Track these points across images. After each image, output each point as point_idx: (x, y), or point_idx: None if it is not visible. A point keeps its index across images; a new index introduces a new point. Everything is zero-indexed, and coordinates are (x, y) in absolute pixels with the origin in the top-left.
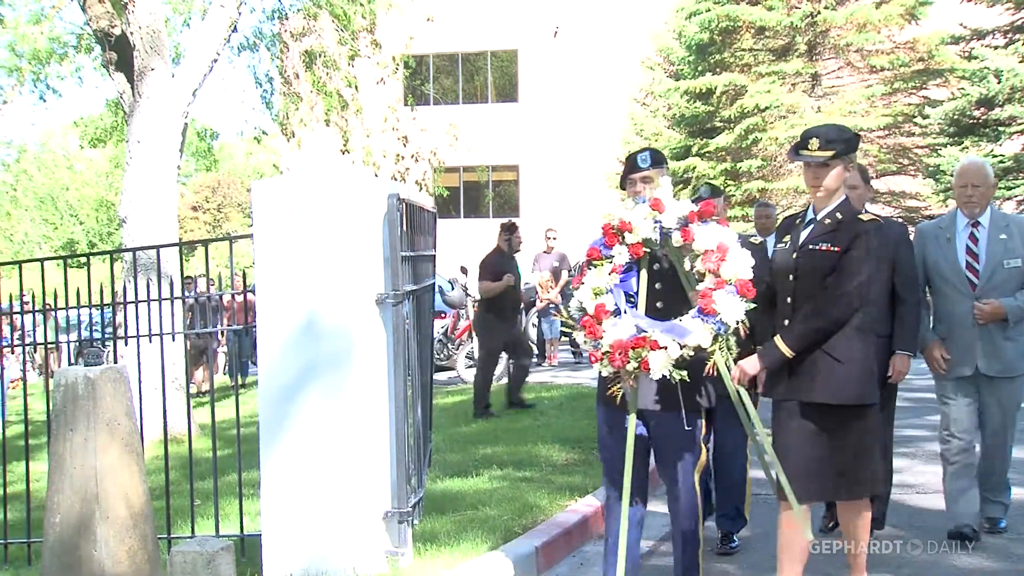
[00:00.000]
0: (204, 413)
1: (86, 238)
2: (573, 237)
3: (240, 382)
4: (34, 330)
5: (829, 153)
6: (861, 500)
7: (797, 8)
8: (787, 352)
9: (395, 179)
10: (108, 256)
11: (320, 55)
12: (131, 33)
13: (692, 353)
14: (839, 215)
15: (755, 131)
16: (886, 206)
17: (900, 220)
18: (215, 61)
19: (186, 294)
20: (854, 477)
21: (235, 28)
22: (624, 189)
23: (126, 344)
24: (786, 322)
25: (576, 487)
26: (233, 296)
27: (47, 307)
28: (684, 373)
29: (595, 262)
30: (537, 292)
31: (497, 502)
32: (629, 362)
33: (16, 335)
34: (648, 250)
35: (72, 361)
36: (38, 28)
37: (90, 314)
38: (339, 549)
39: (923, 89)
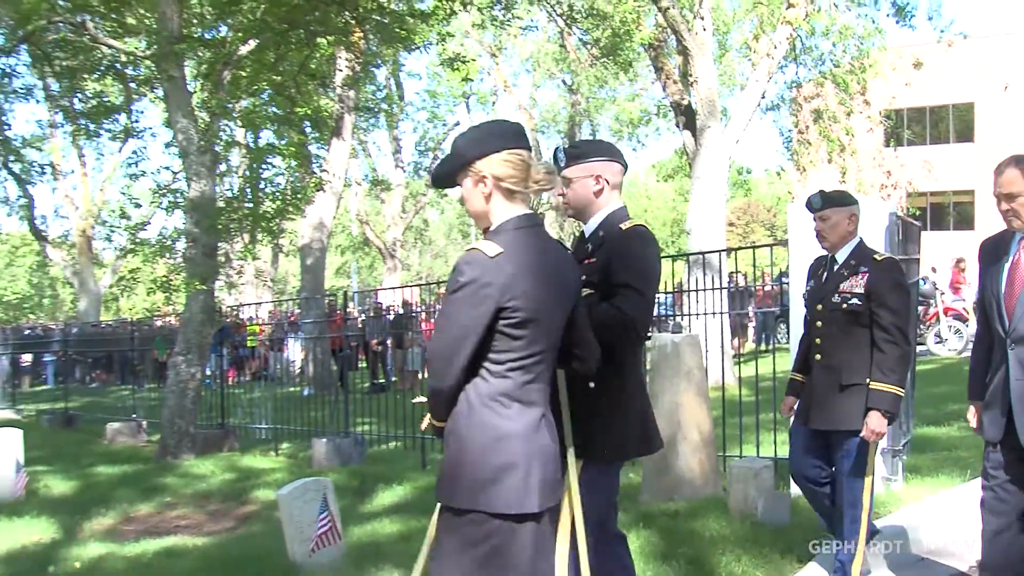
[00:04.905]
0: (746, 369)
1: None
2: None
3: (767, 348)
4: None
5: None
6: None
7: None
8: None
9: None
10: (680, 257)
11: (824, 111)
12: (695, 103)
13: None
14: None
15: None
16: None
17: None
18: (750, 119)
19: (729, 285)
20: None
21: (763, 95)
22: None
23: (689, 320)
24: None
25: None
26: (762, 287)
27: None
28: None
29: None
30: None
31: (967, 446)
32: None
33: None
34: None
35: (658, 330)
36: (632, 103)
37: (667, 298)
38: None
39: None
